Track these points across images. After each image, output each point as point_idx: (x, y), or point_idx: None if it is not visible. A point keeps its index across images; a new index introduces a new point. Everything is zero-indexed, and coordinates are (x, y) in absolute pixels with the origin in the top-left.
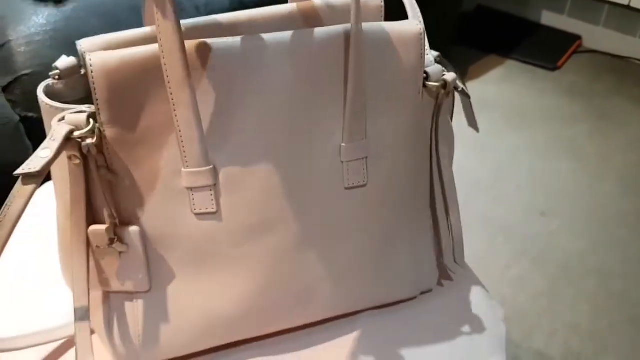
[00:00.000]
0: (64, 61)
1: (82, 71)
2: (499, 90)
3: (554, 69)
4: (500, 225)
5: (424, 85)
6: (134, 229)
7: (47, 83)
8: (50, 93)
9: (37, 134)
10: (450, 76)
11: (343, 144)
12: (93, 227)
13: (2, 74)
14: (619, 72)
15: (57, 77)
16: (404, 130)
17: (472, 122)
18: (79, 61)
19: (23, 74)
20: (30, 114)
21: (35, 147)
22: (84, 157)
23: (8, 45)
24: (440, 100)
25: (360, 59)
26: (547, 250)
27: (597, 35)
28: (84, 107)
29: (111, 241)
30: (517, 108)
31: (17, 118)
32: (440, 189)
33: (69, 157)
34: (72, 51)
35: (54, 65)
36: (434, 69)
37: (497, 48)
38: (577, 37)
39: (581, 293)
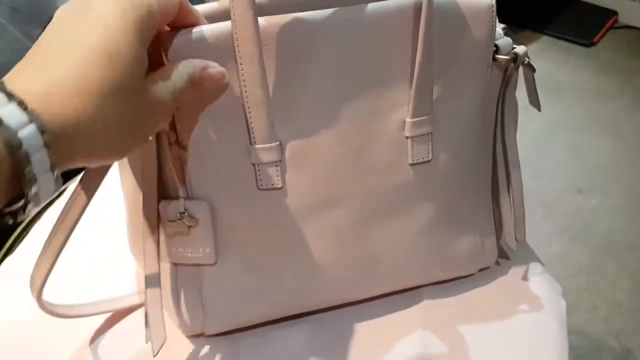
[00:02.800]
0: None
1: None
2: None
3: (590, 44)
4: (540, 202)
5: (494, 59)
6: (202, 203)
7: None
8: None
9: None
10: (520, 49)
11: (408, 119)
12: (164, 202)
13: None
14: None
15: None
16: (471, 105)
17: (534, 100)
18: None
19: None
20: None
21: None
22: (157, 134)
23: None
24: (509, 73)
25: (430, 32)
26: (587, 227)
27: (633, 11)
28: None
29: (181, 215)
30: (552, 84)
31: None
32: (504, 166)
33: None
34: None
35: None
36: (503, 41)
37: (531, 23)
38: (613, 13)
39: (622, 270)
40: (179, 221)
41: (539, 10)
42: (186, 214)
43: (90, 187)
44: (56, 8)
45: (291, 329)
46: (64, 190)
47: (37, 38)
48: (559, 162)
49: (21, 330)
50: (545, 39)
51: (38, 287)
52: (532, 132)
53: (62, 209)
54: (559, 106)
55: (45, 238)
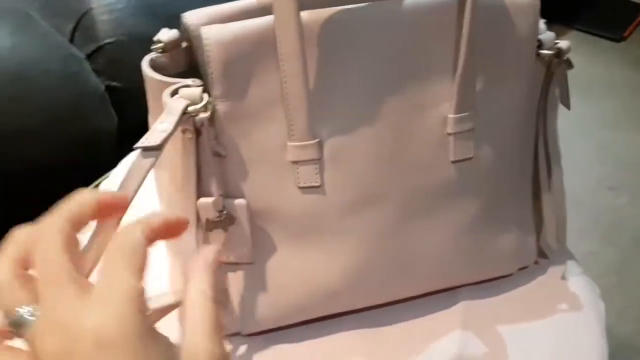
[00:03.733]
0: (167, 34)
1: (184, 44)
2: None
3: (620, 39)
4: (570, 199)
5: (537, 54)
6: (240, 201)
7: (151, 56)
8: (154, 66)
9: (119, 104)
10: (564, 44)
11: (450, 115)
12: (202, 200)
13: (85, 42)
14: None
15: (160, 50)
16: (514, 101)
17: (565, 97)
18: (180, 34)
19: (106, 43)
20: (113, 83)
21: (120, 117)
22: (197, 131)
23: (90, 13)
24: (552, 69)
25: (474, 26)
26: (617, 225)
27: None
28: (188, 81)
29: (219, 214)
30: (582, 80)
31: (103, 87)
32: (545, 164)
33: (183, 131)
34: (153, 19)
35: (156, 38)
36: (547, 36)
37: (560, 18)
38: None
39: None
40: (218, 220)
41: (569, 4)
42: (225, 212)
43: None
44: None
45: (327, 329)
46: (97, 185)
47: (68, 32)
48: (589, 159)
49: None
50: (574, 34)
51: None
52: (562, 128)
53: None
54: (589, 102)
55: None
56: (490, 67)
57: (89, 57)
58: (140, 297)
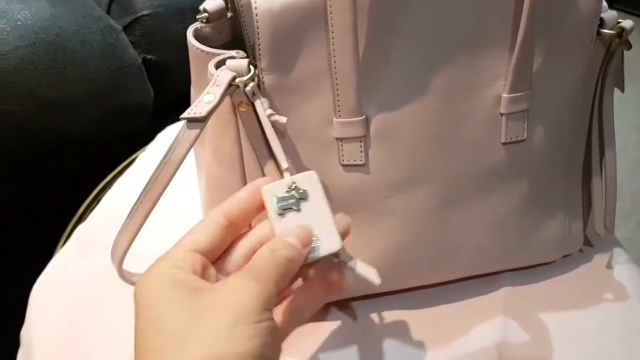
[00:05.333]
0: (212, 4)
1: (229, 14)
2: None
3: None
4: None
5: (598, 32)
6: (287, 176)
7: (195, 26)
8: (198, 37)
9: (156, 77)
10: (627, 23)
11: (505, 95)
12: (265, 178)
13: (121, 14)
14: None
15: (205, 20)
16: (571, 81)
17: (620, 80)
18: (226, 4)
19: (143, 15)
20: (149, 56)
21: (156, 90)
22: (252, 103)
23: None
24: (612, 49)
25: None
26: None
27: None
28: (232, 53)
29: (290, 189)
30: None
31: (140, 60)
32: (598, 149)
33: (237, 105)
34: None
35: (201, 7)
36: (609, 15)
37: None
38: None
39: None
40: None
41: None
42: (295, 185)
43: (177, 157)
44: None
45: (369, 308)
46: (134, 159)
47: (105, 4)
48: (625, 142)
49: (95, 294)
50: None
51: (120, 256)
52: None
53: (149, 179)
54: (629, 85)
55: (115, 207)
56: (549, 44)
57: (126, 29)
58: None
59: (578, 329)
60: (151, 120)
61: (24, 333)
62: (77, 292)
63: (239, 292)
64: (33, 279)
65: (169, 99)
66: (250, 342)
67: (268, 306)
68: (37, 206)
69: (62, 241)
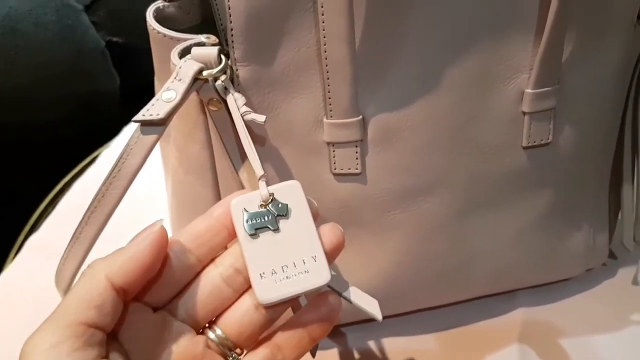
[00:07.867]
0: None
1: None
2: None
3: None
4: None
5: (638, 17)
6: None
7: (156, 5)
8: (160, 18)
9: (122, 62)
10: None
11: (528, 90)
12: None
13: None
14: None
15: None
16: (605, 74)
17: None
18: None
19: None
20: (115, 39)
21: (122, 76)
22: (224, 101)
23: None
24: None
25: None
26: None
27: None
28: (202, 37)
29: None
30: None
31: (103, 43)
32: (631, 152)
33: (207, 102)
34: None
35: None
36: None
37: None
38: None
39: None
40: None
41: None
42: (272, 199)
43: (128, 169)
44: None
45: (364, 334)
46: (95, 157)
47: None
48: None
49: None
50: None
51: (65, 286)
52: None
53: (95, 196)
54: None
55: (70, 213)
56: (581, 30)
57: (88, 8)
58: None
59: (603, 355)
60: (121, 109)
61: None
62: (31, 312)
63: None
64: None
65: (138, 86)
66: None
67: None
68: None
69: (12, 254)
